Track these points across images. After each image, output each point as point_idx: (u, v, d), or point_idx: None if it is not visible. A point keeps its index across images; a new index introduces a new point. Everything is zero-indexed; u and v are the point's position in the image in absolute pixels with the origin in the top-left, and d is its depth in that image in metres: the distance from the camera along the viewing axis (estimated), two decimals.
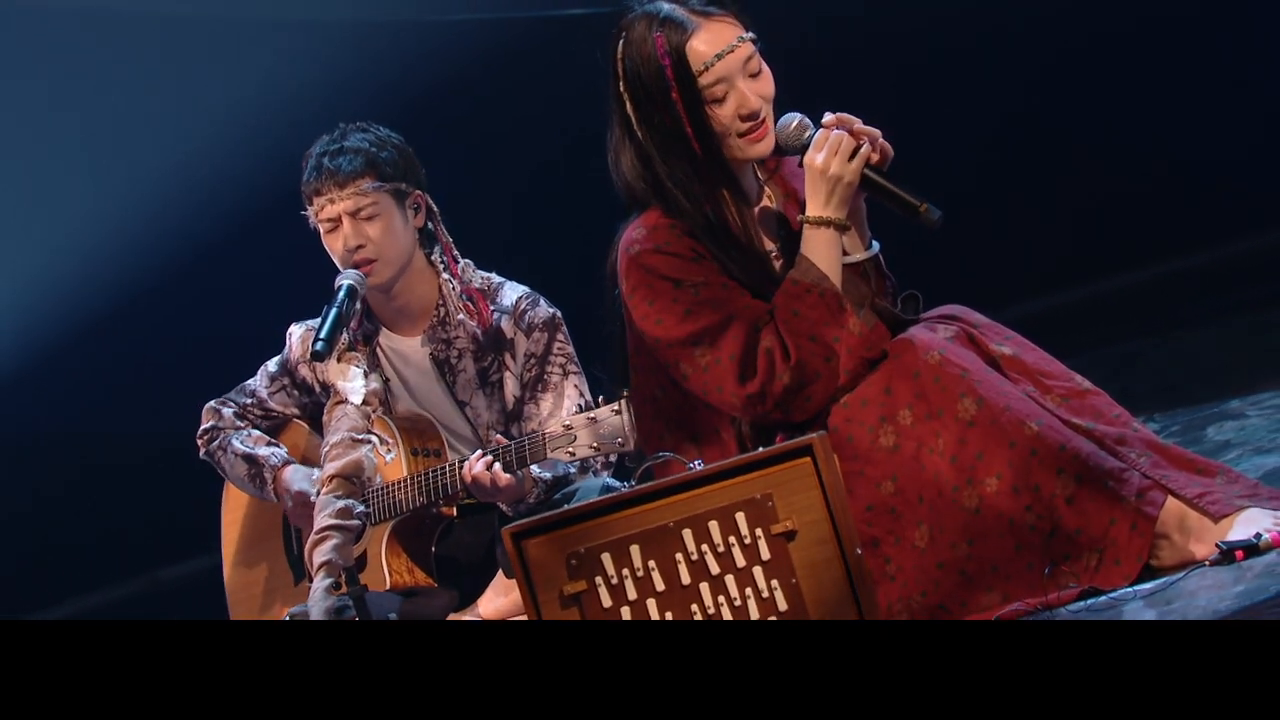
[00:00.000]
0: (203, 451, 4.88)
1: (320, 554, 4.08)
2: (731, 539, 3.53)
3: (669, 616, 3.53)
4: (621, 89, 3.95)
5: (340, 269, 4.57)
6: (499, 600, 4.56)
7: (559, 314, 4.67)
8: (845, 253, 3.95)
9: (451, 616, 4.62)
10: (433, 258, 4.70)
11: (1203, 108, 6.76)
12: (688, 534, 3.53)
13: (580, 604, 3.54)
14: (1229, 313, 6.30)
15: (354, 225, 4.57)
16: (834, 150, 3.87)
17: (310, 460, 4.78)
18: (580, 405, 4.54)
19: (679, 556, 3.53)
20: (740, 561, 3.53)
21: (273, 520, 4.84)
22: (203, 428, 4.87)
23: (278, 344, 4.86)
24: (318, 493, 4.22)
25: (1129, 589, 3.63)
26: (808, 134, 3.93)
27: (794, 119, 3.95)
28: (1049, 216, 6.91)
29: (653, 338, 3.94)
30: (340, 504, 4.14)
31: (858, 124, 3.91)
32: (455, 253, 4.71)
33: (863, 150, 3.88)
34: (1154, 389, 5.67)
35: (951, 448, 3.76)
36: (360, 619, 3.98)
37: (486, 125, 6.70)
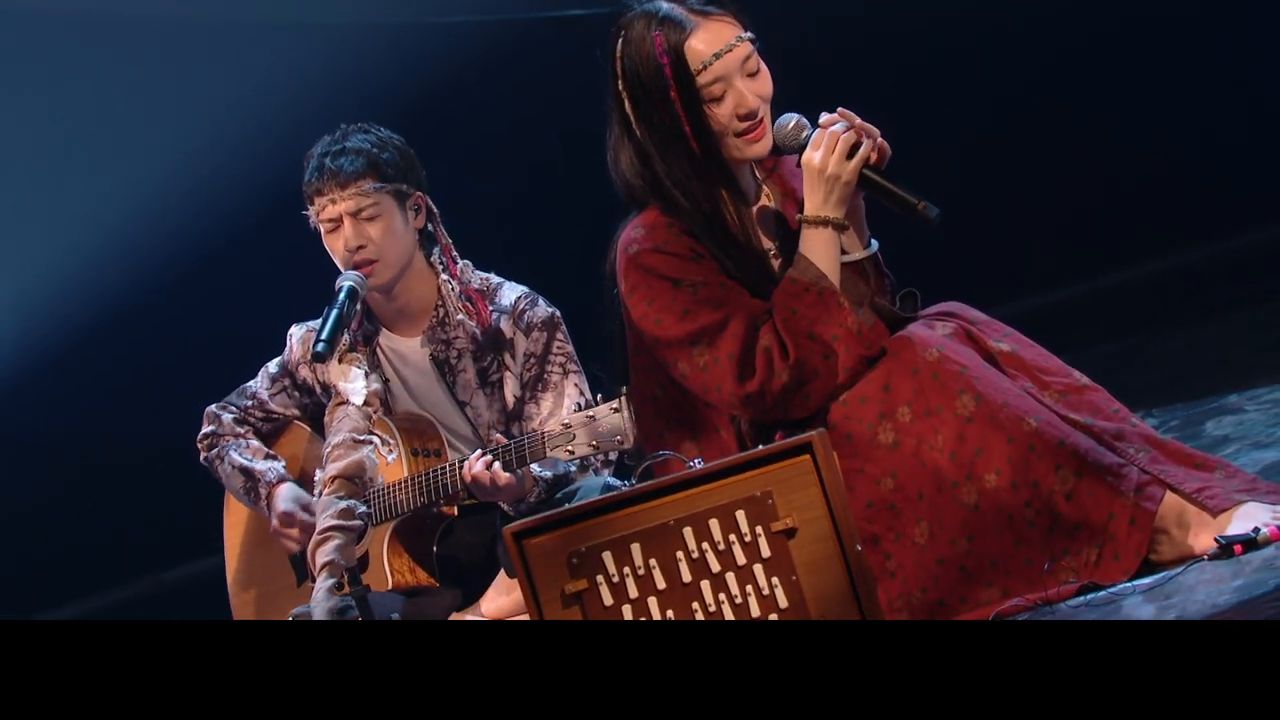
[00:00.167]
0: (202, 456, 4.89)
1: (323, 554, 4.09)
2: (732, 537, 3.53)
3: (670, 614, 3.53)
4: (620, 88, 3.96)
5: (341, 269, 4.58)
6: (501, 599, 4.56)
7: (558, 313, 4.68)
8: (844, 251, 3.96)
9: (454, 616, 4.63)
10: (432, 259, 4.71)
11: (1200, 104, 6.77)
12: (688, 532, 3.54)
13: (582, 602, 3.55)
14: (1227, 308, 6.30)
15: (355, 226, 4.57)
16: (831, 149, 3.88)
17: (309, 467, 4.79)
18: (580, 404, 4.54)
19: (680, 554, 3.54)
20: (741, 559, 3.53)
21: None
22: (202, 432, 4.88)
23: (279, 345, 4.87)
24: (319, 493, 4.23)
25: (1128, 584, 3.64)
26: (805, 134, 3.93)
27: (791, 119, 3.96)
28: (1047, 214, 6.93)
29: (651, 337, 3.95)
30: (342, 504, 4.15)
31: (857, 120, 3.91)
32: (454, 254, 4.72)
33: (861, 149, 3.89)
34: (1152, 384, 5.67)
35: (950, 444, 3.76)
36: (363, 619, 3.99)
37: (486, 126, 6.71)
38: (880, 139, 3.92)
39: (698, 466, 3.58)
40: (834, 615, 3.50)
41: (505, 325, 4.66)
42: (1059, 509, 3.72)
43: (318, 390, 4.80)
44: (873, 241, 4.02)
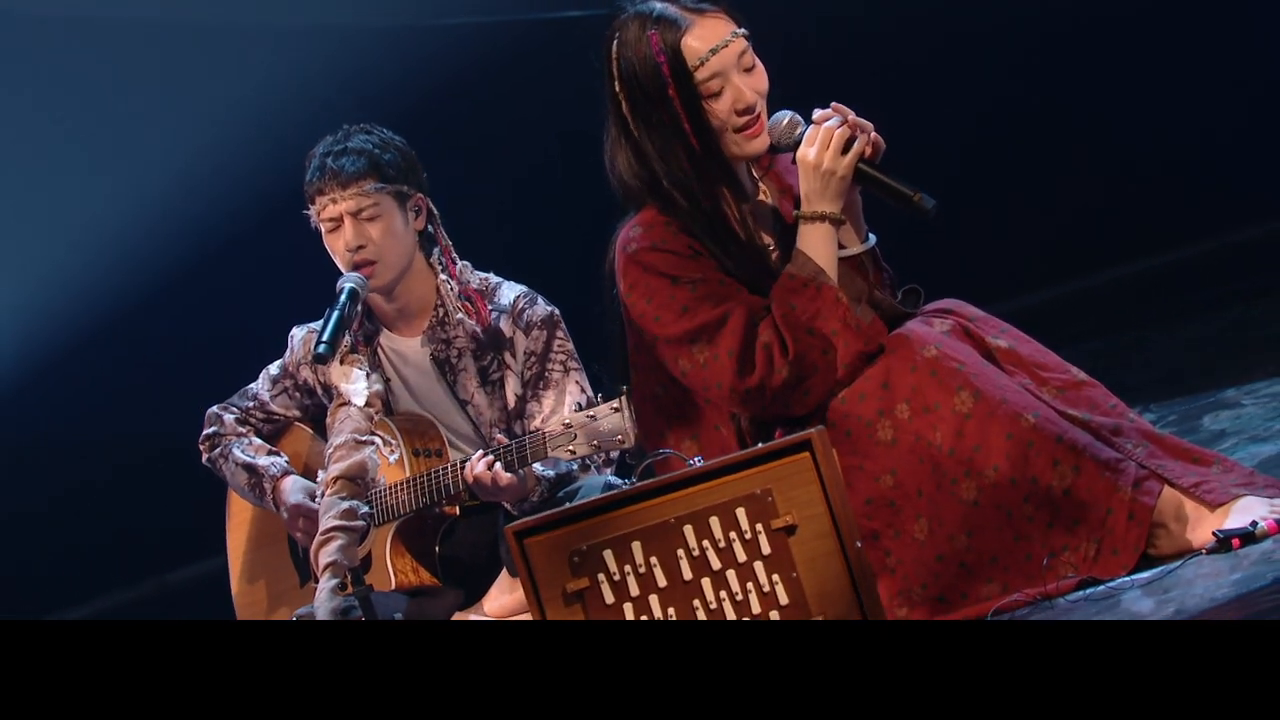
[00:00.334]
0: (205, 458, 4.90)
1: (326, 555, 4.10)
2: (732, 534, 3.54)
3: (671, 612, 3.54)
4: (617, 89, 3.97)
5: (342, 270, 4.60)
6: (503, 598, 4.57)
7: (557, 311, 4.69)
8: (842, 246, 3.97)
9: (457, 615, 4.63)
10: (432, 259, 4.72)
11: (1198, 101, 6.77)
12: (689, 530, 3.55)
13: (583, 601, 3.56)
14: (1224, 304, 6.30)
15: (355, 226, 4.59)
16: (826, 145, 3.89)
17: (312, 465, 4.80)
18: (582, 402, 4.55)
19: (680, 552, 3.55)
20: (741, 556, 3.54)
21: (278, 523, 4.85)
22: (204, 433, 4.89)
23: (281, 346, 4.88)
24: (322, 494, 4.25)
25: (1127, 578, 3.65)
26: (799, 130, 3.94)
27: (785, 116, 3.97)
28: (1044, 211, 6.93)
29: (651, 335, 3.96)
30: (345, 505, 4.16)
31: (851, 115, 3.92)
32: (454, 255, 4.73)
33: (856, 144, 3.90)
34: (1150, 379, 5.67)
35: (949, 441, 3.77)
36: (366, 619, 4.00)
37: (485, 127, 6.72)
38: (874, 133, 3.93)
39: (698, 465, 3.59)
40: (834, 612, 3.51)
41: (505, 324, 4.67)
42: (1057, 504, 3.73)
43: (319, 391, 4.81)
44: (870, 236, 4.03)
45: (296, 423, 4.89)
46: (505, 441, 4.36)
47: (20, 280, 6.58)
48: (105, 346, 6.70)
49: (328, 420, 4.37)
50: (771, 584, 3.53)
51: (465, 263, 4.75)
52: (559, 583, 3.57)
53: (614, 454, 4.33)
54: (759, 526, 3.54)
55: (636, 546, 3.56)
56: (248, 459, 4.80)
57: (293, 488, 4.72)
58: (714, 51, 3.92)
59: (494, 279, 4.75)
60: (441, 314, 4.69)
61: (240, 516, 4.96)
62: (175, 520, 6.52)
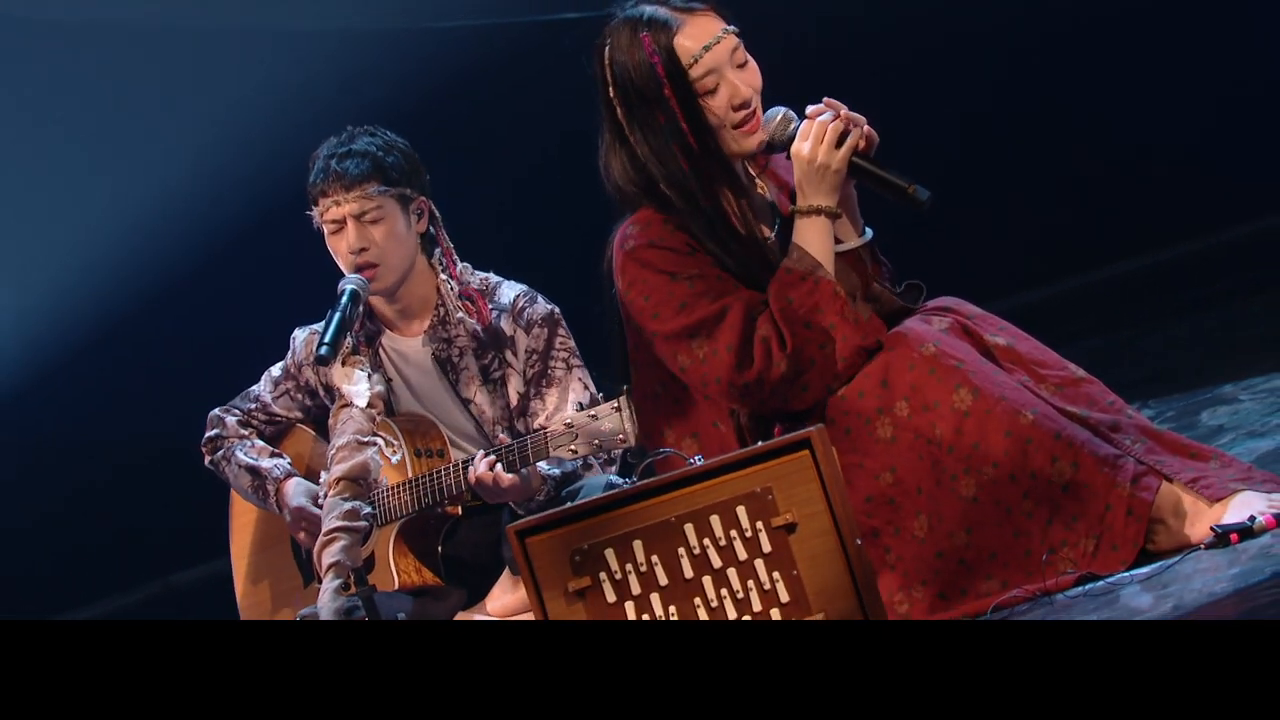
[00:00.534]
0: (207, 460, 4.91)
1: (329, 555, 4.11)
2: (733, 532, 3.55)
3: (672, 610, 3.55)
4: (612, 95, 3.98)
5: (344, 271, 4.61)
6: (506, 598, 4.58)
7: (557, 310, 4.70)
8: (839, 240, 3.98)
9: (460, 615, 4.64)
10: (433, 260, 4.73)
11: (1196, 99, 6.78)
12: (689, 528, 3.56)
13: (585, 599, 3.57)
14: (1221, 300, 6.30)
15: (358, 228, 4.60)
16: (820, 139, 3.90)
17: (314, 466, 4.81)
18: (585, 399, 4.56)
19: (681, 551, 3.56)
20: (742, 555, 3.55)
21: (281, 524, 4.86)
22: (206, 436, 4.90)
23: (283, 348, 4.89)
24: (325, 495, 4.26)
25: (1126, 574, 3.65)
26: (793, 126, 3.95)
27: (779, 112, 3.98)
28: (1042, 209, 6.94)
29: (650, 332, 3.97)
30: (347, 506, 4.18)
31: (844, 109, 3.93)
32: (455, 256, 4.74)
33: (850, 137, 3.90)
34: (1148, 375, 5.68)
35: (948, 438, 3.78)
36: (369, 619, 4.02)
37: (484, 129, 6.73)
38: (867, 126, 3.94)
39: (698, 463, 3.60)
40: (835, 609, 3.51)
41: (505, 323, 4.68)
42: (1056, 500, 3.74)
43: (321, 392, 4.82)
44: (867, 230, 4.04)
45: (298, 424, 4.90)
46: (507, 441, 4.37)
47: (24, 283, 6.59)
48: (109, 348, 6.71)
49: (330, 422, 4.38)
50: (772, 582, 3.54)
51: (465, 264, 4.76)
52: (561, 582, 3.58)
53: (615, 453, 4.34)
54: (759, 524, 3.54)
55: (638, 545, 3.57)
56: (251, 461, 4.81)
57: (295, 490, 4.73)
58: (706, 49, 3.93)
59: (494, 278, 4.76)
60: (442, 314, 4.70)
61: (243, 519, 4.97)
62: (179, 522, 6.53)
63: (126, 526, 6.93)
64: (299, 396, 4.86)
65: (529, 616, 3.98)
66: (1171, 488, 3.76)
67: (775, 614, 3.54)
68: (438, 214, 4.71)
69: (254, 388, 4.91)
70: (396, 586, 4.59)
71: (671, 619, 3.55)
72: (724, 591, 3.56)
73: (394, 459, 4.57)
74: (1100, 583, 3.64)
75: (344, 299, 4.49)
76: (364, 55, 6.60)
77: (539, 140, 6.55)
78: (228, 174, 6.50)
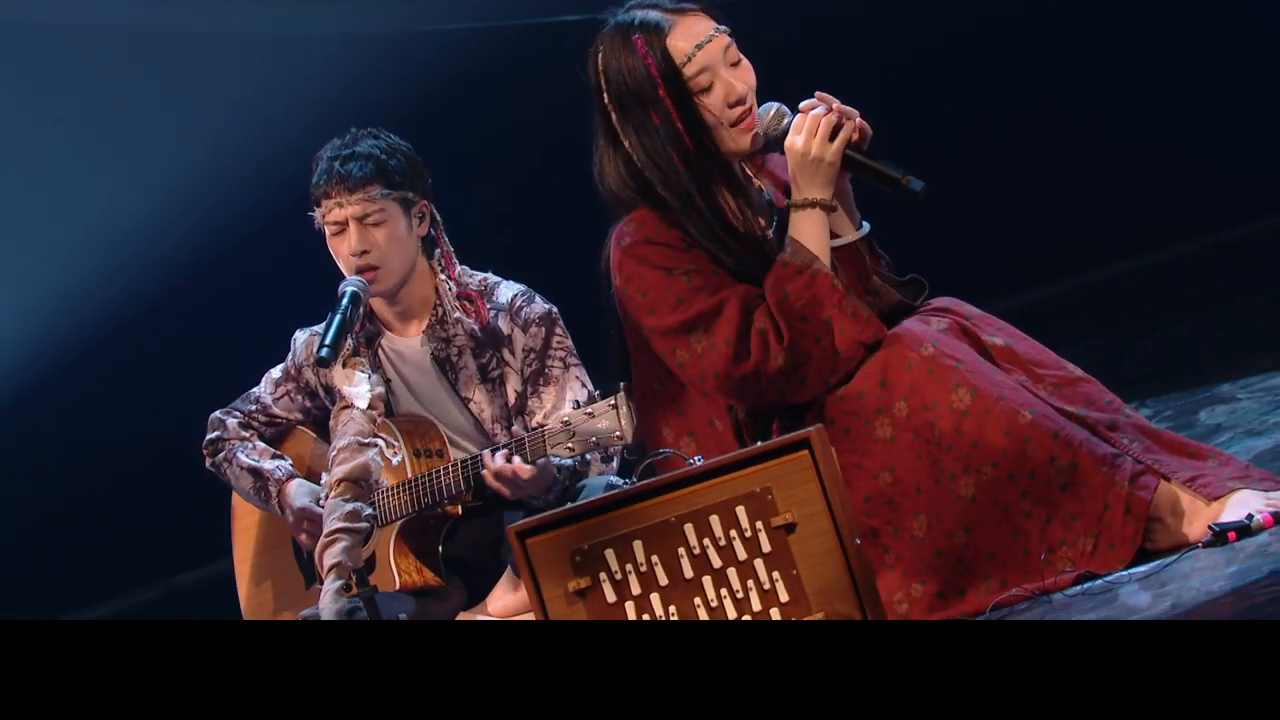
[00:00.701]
0: (209, 462, 4.92)
1: (330, 556, 4.13)
2: (732, 532, 3.56)
3: (672, 610, 3.56)
4: (606, 101, 3.99)
5: (345, 273, 4.62)
6: (507, 598, 4.58)
7: (555, 309, 4.71)
8: (836, 235, 3.98)
9: (461, 615, 4.65)
10: (433, 261, 4.75)
11: (1196, 99, 6.79)
12: (689, 529, 3.57)
13: (585, 600, 3.58)
14: (1220, 299, 6.31)
15: (360, 230, 4.61)
16: (813, 132, 3.90)
17: (315, 468, 4.82)
18: (583, 398, 4.57)
19: (681, 551, 3.56)
20: (741, 554, 3.56)
21: (283, 526, 4.88)
22: (207, 438, 4.91)
23: (285, 349, 4.90)
24: (326, 496, 4.27)
25: (1124, 572, 3.66)
26: (786, 120, 3.96)
27: (771, 108, 3.99)
28: (1041, 209, 6.95)
29: (648, 328, 3.98)
30: (348, 507, 4.19)
31: (836, 103, 3.93)
32: (454, 259, 4.76)
33: (843, 130, 3.91)
34: (1146, 375, 5.68)
35: (947, 438, 3.78)
36: (371, 619, 4.02)
37: (484, 131, 6.73)
38: (860, 119, 3.94)
39: (698, 464, 3.61)
40: (834, 608, 3.52)
41: (503, 322, 4.69)
42: (1055, 500, 3.75)
43: (321, 394, 4.83)
44: (864, 224, 4.05)
45: (299, 426, 4.91)
46: (506, 440, 4.38)
47: (25, 285, 6.60)
48: (110, 350, 6.72)
49: (330, 423, 4.39)
50: (772, 581, 3.55)
51: (464, 267, 4.77)
52: (561, 582, 3.58)
53: (613, 451, 4.35)
54: (759, 524, 3.55)
55: (638, 545, 3.57)
56: (252, 463, 4.82)
57: (298, 492, 4.74)
58: (699, 47, 3.95)
59: (492, 278, 4.77)
60: (440, 313, 4.71)
61: (245, 521, 4.98)
62: (182, 523, 6.54)
63: (129, 528, 6.94)
64: (299, 398, 4.87)
65: (529, 617, 3.99)
66: (1169, 486, 3.76)
67: (775, 614, 3.54)
68: (438, 217, 4.73)
69: (254, 389, 4.92)
70: (398, 587, 4.60)
71: (671, 619, 3.56)
72: (724, 591, 3.56)
73: (394, 460, 4.57)
74: (1099, 581, 3.65)
75: (345, 301, 4.50)
76: (365, 58, 6.61)
77: (539, 142, 6.55)
78: (228, 176, 6.51)
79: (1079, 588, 3.66)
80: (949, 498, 3.78)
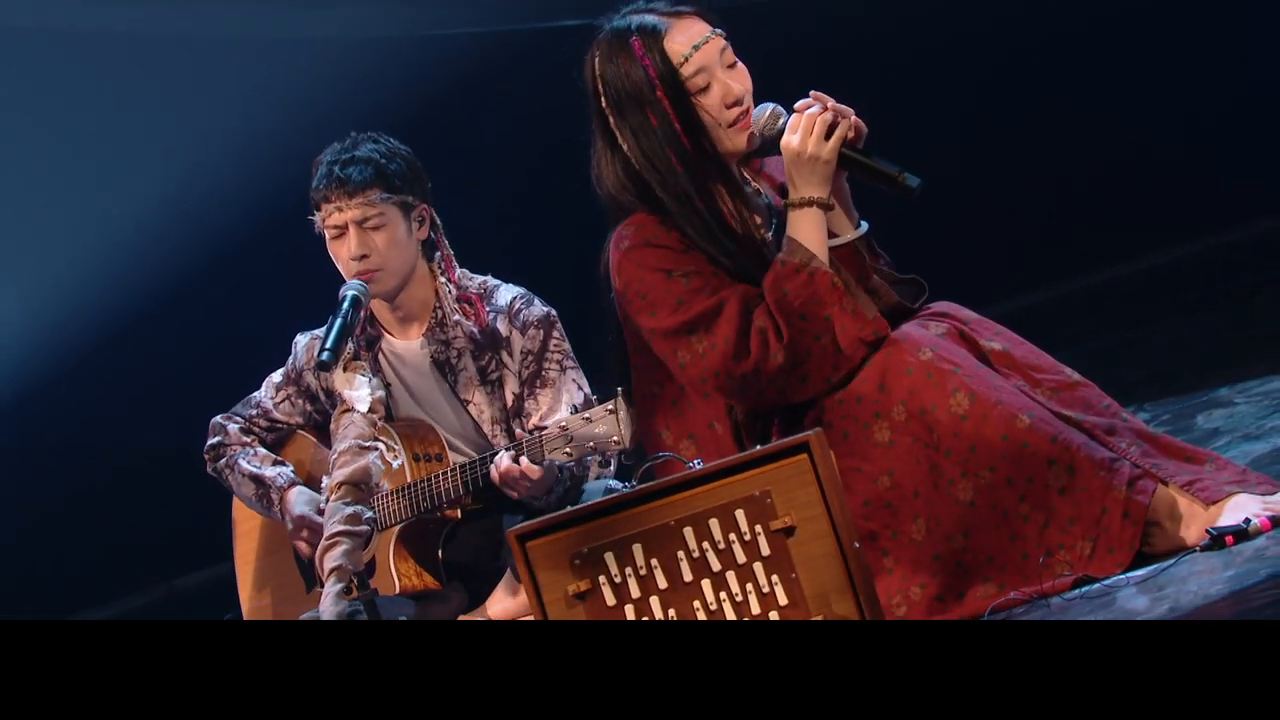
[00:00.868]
0: (210, 468, 4.93)
1: (331, 559, 4.13)
2: (732, 536, 3.56)
3: (672, 613, 3.56)
4: (604, 105, 4.00)
5: (345, 277, 4.63)
6: (507, 601, 4.59)
7: (553, 312, 4.71)
8: (834, 234, 3.98)
9: (461, 619, 4.66)
10: (433, 265, 4.75)
11: (1196, 99, 6.79)
12: (689, 532, 3.57)
13: (585, 603, 3.58)
14: (1216, 303, 6.31)
15: (360, 234, 4.62)
16: (809, 131, 3.90)
17: (315, 472, 4.83)
18: (579, 401, 4.58)
19: (681, 554, 3.57)
20: (741, 558, 3.56)
21: (283, 530, 4.88)
22: (209, 443, 4.92)
23: (286, 353, 4.90)
24: (327, 499, 4.28)
25: (1122, 576, 3.66)
26: (782, 120, 3.96)
27: (767, 108, 4.00)
28: (1042, 208, 6.95)
29: (648, 329, 3.98)
30: (349, 510, 4.20)
31: (831, 101, 3.94)
32: (454, 263, 4.76)
33: (839, 129, 3.91)
34: (1143, 379, 5.68)
35: (946, 442, 3.78)
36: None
37: (483, 134, 6.75)
38: (855, 117, 3.95)
39: (697, 467, 3.61)
40: (833, 612, 3.52)
41: (502, 324, 4.70)
42: (1053, 504, 3.75)
43: (322, 397, 4.84)
44: (863, 223, 4.05)
45: (299, 430, 4.92)
46: (506, 442, 4.39)
47: (27, 288, 6.61)
48: (111, 354, 6.73)
49: (331, 427, 4.40)
50: (771, 585, 3.55)
51: (464, 270, 4.78)
52: (561, 585, 3.59)
53: (610, 455, 4.35)
54: (758, 528, 3.55)
55: (637, 549, 3.58)
56: (254, 469, 4.83)
57: (298, 499, 4.75)
58: (696, 48, 3.96)
59: (492, 281, 4.78)
60: (440, 316, 4.72)
61: (246, 525, 4.98)
62: (183, 526, 6.55)
63: (130, 531, 6.94)
64: (300, 402, 4.87)
65: (529, 620, 4.00)
66: (1167, 491, 3.76)
67: (774, 617, 3.54)
68: (438, 220, 4.73)
69: (255, 394, 4.93)
70: (397, 590, 4.60)
71: (670, 621, 3.56)
72: (723, 594, 3.56)
73: (395, 464, 4.58)
74: (1097, 585, 3.65)
75: (345, 304, 4.50)
76: (366, 62, 6.62)
77: (539, 145, 6.56)
78: (229, 180, 6.52)
79: (1077, 591, 3.65)
80: (947, 501, 3.78)
